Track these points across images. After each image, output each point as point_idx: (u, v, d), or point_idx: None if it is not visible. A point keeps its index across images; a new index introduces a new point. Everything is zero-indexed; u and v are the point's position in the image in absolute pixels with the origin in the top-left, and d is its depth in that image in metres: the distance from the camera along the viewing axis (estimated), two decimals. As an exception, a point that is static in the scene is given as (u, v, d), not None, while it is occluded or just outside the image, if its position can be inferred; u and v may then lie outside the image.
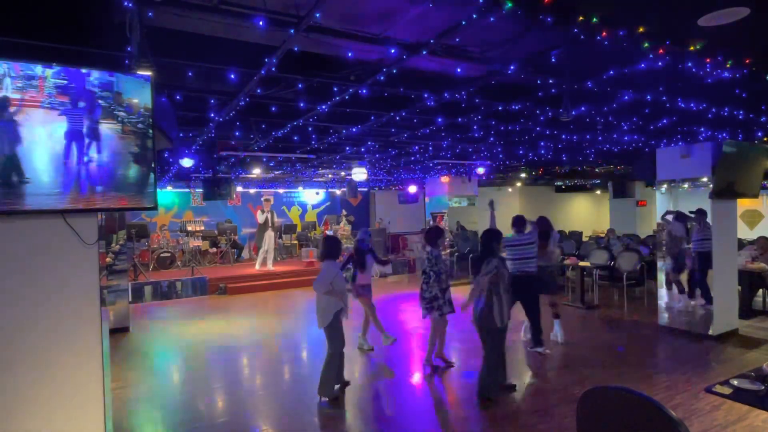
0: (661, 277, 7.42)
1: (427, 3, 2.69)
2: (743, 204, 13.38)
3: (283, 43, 3.14)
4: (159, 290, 10.40)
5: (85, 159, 2.58)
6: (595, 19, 2.74)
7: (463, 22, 2.81)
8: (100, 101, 2.61)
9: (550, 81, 4.10)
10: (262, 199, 12.51)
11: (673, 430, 1.63)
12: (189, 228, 13.21)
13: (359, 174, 10.05)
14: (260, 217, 11.62)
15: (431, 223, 12.46)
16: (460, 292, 5.57)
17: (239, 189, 14.39)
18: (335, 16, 2.92)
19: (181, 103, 4.52)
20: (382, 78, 3.83)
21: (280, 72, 3.71)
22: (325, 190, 17.31)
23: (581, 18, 2.73)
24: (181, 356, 6.51)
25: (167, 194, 14.40)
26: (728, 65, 3.60)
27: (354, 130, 6.07)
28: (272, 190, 16.27)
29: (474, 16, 2.71)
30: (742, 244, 8.45)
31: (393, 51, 3.31)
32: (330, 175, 12.95)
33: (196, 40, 3.29)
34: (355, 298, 6.05)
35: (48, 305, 2.64)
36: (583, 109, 5.07)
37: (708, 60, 3.48)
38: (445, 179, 11.95)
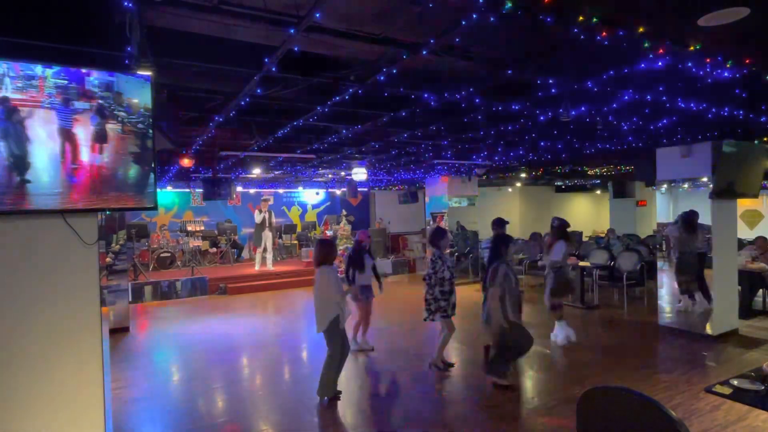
0: (662, 277, 7.42)
1: (427, 3, 2.69)
2: (743, 204, 13.38)
3: (283, 43, 3.14)
4: (159, 290, 10.41)
5: (85, 159, 2.58)
6: (595, 19, 2.74)
7: (463, 22, 2.81)
8: (100, 101, 2.61)
9: (550, 81, 4.10)
10: (261, 199, 12.52)
11: (673, 430, 1.63)
12: (189, 228, 13.21)
13: (359, 174, 10.05)
14: (257, 217, 11.63)
15: (431, 223, 12.46)
16: (459, 292, 5.54)
17: (239, 189, 14.39)
18: (335, 16, 2.92)
19: (181, 103, 4.52)
20: (382, 78, 3.83)
21: (280, 72, 3.71)
22: (325, 190, 17.31)
23: (581, 18, 2.73)
24: (181, 356, 6.51)
25: (167, 194, 14.40)
26: (728, 65, 3.60)
27: (354, 130, 6.07)
28: (272, 190, 16.27)
29: (474, 16, 2.71)
30: (742, 244, 8.45)
31: (393, 51, 3.31)
32: (330, 175, 12.95)
33: (196, 40, 3.28)
34: (355, 301, 6.05)
35: (48, 305, 2.64)
36: (583, 109, 5.07)
37: (708, 60, 3.48)
38: (445, 179, 11.95)
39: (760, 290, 7.86)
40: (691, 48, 3.25)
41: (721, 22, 2.83)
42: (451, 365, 5.53)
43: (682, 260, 6.96)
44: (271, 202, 16.33)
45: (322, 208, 17.63)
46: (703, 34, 3.07)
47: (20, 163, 2.43)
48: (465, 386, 5.10)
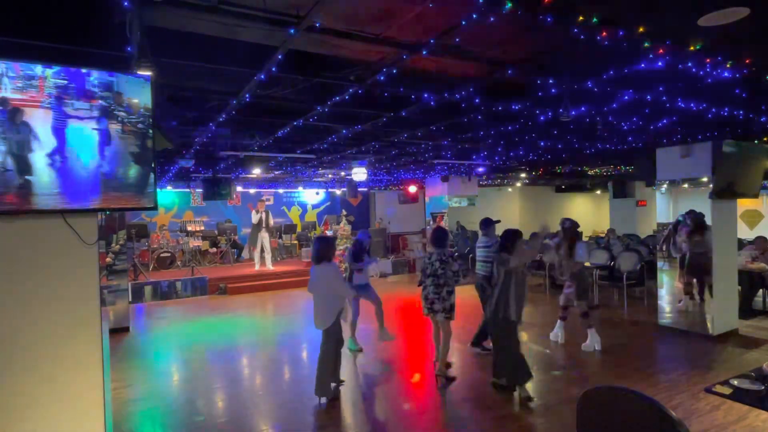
0: (662, 277, 7.42)
1: (427, 3, 2.69)
2: (743, 204, 13.38)
3: (283, 43, 3.14)
4: (159, 290, 10.41)
5: (85, 159, 2.58)
6: (595, 19, 2.74)
7: (463, 22, 2.80)
8: (100, 101, 2.61)
9: (550, 81, 4.10)
10: (258, 199, 12.54)
11: (673, 430, 1.63)
12: (189, 228, 13.21)
13: (359, 174, 10.05)
14: (254, 218, 11.65)
15: (431, 223, 12.46)
16: (458, 292, 5.53)
17: (239, 189, 14.39)
18: (335, 16, 2.92)
19: (181, 103, 4.52)
20: (382, 78, 3.83)
21: (280, 72, 3.71)
22: (325, 190, 17.31)
23: (581, 18, 2.73)
24: (181, 356, 6.51)
25: (167, 194, 14.40)
26: (728, 65, 3.60)
27: (354, 130, 6.07)
28: (272, 190, 16.28)
29: (474, 16, 2.71)
30: (742, 244, 8.45)
31: (393, 51, 3.31)
32: (330, 175, 12.96)
33: (196, 40, 3.28)
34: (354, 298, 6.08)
35: (48, 305, 2.64)
36: (583, 109, 5.07)
37: (708, 60, 3.48)
38: (445, 179, 11.95)
39: (760, 290, 7.86)
40: (691, 48, 3.25)
41: (721, 22, 2.83)
42: (454, 378, 5.29)
43: (693, 261, 6.93)
44: (270, 202, 16.36)
45: (322, 208, 17.63)
46: (703, 34, 3.07)
47: (20, 163, 2.43)
48: (464, 386, 5.10)
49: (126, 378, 5.44)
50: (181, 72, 3.77)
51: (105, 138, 2.64)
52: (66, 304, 2.69)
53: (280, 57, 3.32)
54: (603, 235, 13.94)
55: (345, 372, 5.06)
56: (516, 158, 9.77)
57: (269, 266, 11.89)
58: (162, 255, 12.44)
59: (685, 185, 7.07)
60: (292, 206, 17.17)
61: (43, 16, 2.74)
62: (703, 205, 6.65)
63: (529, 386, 4.60)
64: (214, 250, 13.58)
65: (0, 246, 2.54)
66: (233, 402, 4.77)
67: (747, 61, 3.58)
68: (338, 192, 17.30)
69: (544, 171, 12.85)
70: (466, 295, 7.28)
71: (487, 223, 6.29)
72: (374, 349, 6.26)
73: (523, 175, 13.64)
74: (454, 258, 5.32)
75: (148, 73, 2.79)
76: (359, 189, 14.58)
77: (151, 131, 2.77)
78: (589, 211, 19.97)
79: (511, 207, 17.81)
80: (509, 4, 2.52)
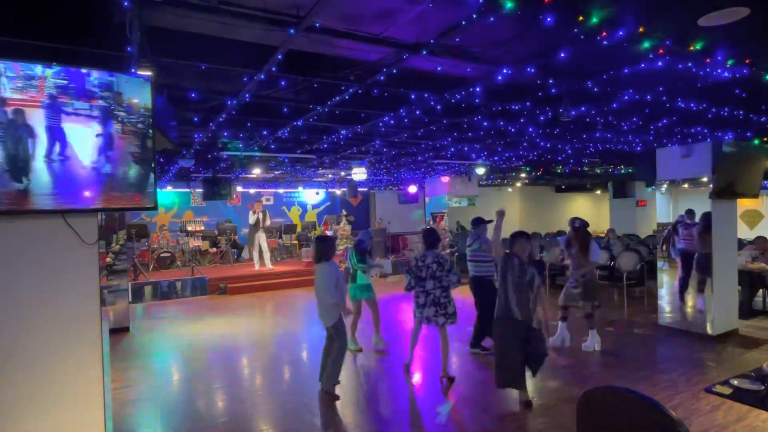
0: (662, 277, 7.42)
1: (427, 3, 2.69)
2: (743, 204, 13.38)
3: (283, 43, 3.14)
4: (159, 290, 10.40)
5: (85, 159, 2.58)
6: (595, 20, 2.74)
7: (463, 22, 2.80)
8: (100, 101, 2.61)
9: (550, 81, 4.10)
10: (254, 200, 12.57)
11: (673, 430, 1.63)
12: (189, 228, 13.22)
13: (359, 174, 10.05)
14: (251, 218, 11.67)
15: (431, 223, 12.46)
16: (457, 293, 5.54)
17: (239, 189, 14.40)
18: (335, 16, 2.92)
19: (182, 103, 4.52)
20: (382, 78, 3.83)
21: (280, 72, 3.71)
22: (325, 190, 17.31)
23: (581, 18, 2.73)
24: (181, 356, 6.51)
25: (167, 194, 14.40)
26: (728, 65, 3.60)
27: (354, 130, 6.07)
28: (272, 190, 16.28)
29: (474, 16, 2.71)
30: (742, 244, 8.45)
31: (393, 51, 3.31)
32: (330, 175, 12.96)
33: (196, 40, 3.29)
34: (352, 300, 6.08)
35: (48, 305, 2.64)
36: (583, 109, 5.07)
37: (708, 60, 3.48)
38: (445, 179, 11.94)
39: (760, 290, 7.86)
40: (691, 48, 3.25)
41: (721, 22, 2.83)
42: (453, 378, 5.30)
43: (701, 260, 6.93)
44: (271, 202, 16.36)
45: (322, 208, 17.63)
46: (703, 34, 3.07)
47: (19, 163, 2.43)
48: (464, 386, 5.10)
49: (126, 378, 5.44)
50: (181, 72, 3.78)
51: (105, 138, 2.64)
52: (66, 304, 2.69)
53: (280, 57, 3.32)
54: (603, 235, 13.93)
55: (345, 372, 5.05)
56: (516, 158, 9.78)
57: (268, 266, 11.89)
58: (162, 255, 12.44)
59: (685, 185, 7.08)
60: (292, 206, 17.17)
61: (44, 16, 2.74)
62: (704, 205, 6.64)
63: (530, 387, 4.59)
64: (214, 250, 13.58)
65: (0, 246, 2.54)
66: (233, 402, 4.77)
67: (747, 61, 3.58)
68: (338, 192, 17.30)
69: (544, 171, 12.86)
70: (466, 295, 7.27)
71: (478, 222, 6.29)
72: (375, 349, 6.26)
73: (523, 175, 13.64)
74: (448, 261, 5.28)
75: (148, 73, 2.79)
76: (359, 189, 14.58)
77: (151, 131, 2.77)
78: (589, 211, 19.95)
79: (511, 207, 17.80)
80: (509, 4, 2.52)
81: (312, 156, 8.43)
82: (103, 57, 3.00)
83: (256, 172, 10.27)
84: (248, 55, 3.48)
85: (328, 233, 13.66)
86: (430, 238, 5.36)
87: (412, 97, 4.65)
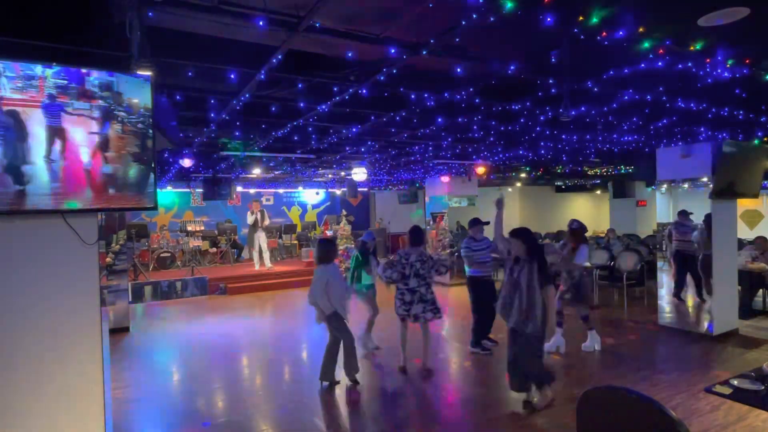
0: (662, 277, 7.42)
1: (427, 3, 2.69)
2: (743, 204, 13.36)
3: (283, 43, 3.14)
4: (159, 290, 10.40)
5: (85, 159, 2.58)
6: (595, 19, 2.74)
7: (463, 22, 2.80)
8: (100, 101, 2.61)
9: (550, 81, 4.10)
10: (252, 200, 12.59)
11: (673, 430, 1.63)
12: (189, 228, 13.22)
13: (359, 174, 10.05)
14: (249, 218, 11.68)
15: (431, 223, 12.46)
16: (457, 292, 5.53)
17: (239, 189, 14.40)
18: (335, 16, 2.92)
19: (181, 103, 4.52)
20: (382, 78, 3.83)
21: (280, 72, 3.71)
22: (325, 190, 17.31)
23: (581, 18, 2.73)
24: (181, 356, 6.51)
25: (167, 194, 14.41)
26: (728, 65, 3.60)
27: (354, 130, 6.07)
28: (272, 190, 16.28)
29: (474, 16, 2.71)
30: (742, 244, 8.45)
31: (393, 51, 3.31)
32: (330, 175, 12.96)
33: (196, 40, 3.29)
34: (360, 298, 6.10)
35: (48, 305, 2.64)
36: (583, 109, 5.07)
37: (708, 60, 3.48)
38: (445, 179, 11.95)
39: (760, 290, 7.86)
40: (691, 48, 3.25)
41: (721, 22, 2.83)
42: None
43: (705, 261, 6.93)
44: (271, 202, 16.37)
45: (322, 208, 17.64)
46: (703, 34, 3.07)
47: (19, 163, 2.43)
48: (464, 386, 5.10)
49: (126, 378, 5.44)
50: (181, 72, 3.78)
51: (105, 138, 2.64)
52: (66, 304, 2.69)
53: (279, 57, 3.32)
54: (603, 235, 13.93)
55: (343, 372, 5.06)
56: (516, 158, 9.78)
57: (268, 265, 11.89)
58: (162, 255, 12.45)
59: (685, 185, 7.08)
60: (292, 206, 17.17)
61: (43, 16, 2.74)
62: (704, 205, 6.64)
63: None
64: (214, 250, 13.58)
65: (0, 246, 2.54)
66: (233, 402, 4.77)
67: (747, 61, 3.58)
68: (338, 192, 17.30)
69: (544, 171, 12.85)
70: (464, 295, 7.27)
71: (472, 223, 6.33)
72: (375, 350, 6.25)
73: (523, 175, 13.64)
74: (434, 260, 5.33)
75: (148, 73, 2.79)
76: (359, 189, 14.58)
77: (151, 131, 2.77)
78: (589, 211, 19.96)
79: (511, 207, 17.79)
80: (510, 4, 2.52)
81: (312, 156, 8.43)
82: (103, 57, 3.00)
83: (256, 172, 10.27)
84: (248, 55, 3.48)
85: (329, 233, 13.68)
86: (415, 235, 5.41)
87: (412, 97, 4.65)
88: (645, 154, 8.20)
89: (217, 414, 4.53)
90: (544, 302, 4.13)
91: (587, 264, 5.86)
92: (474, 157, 9.48)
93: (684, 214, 7.27)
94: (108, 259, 7.68)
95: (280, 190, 16.57)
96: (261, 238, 11.76)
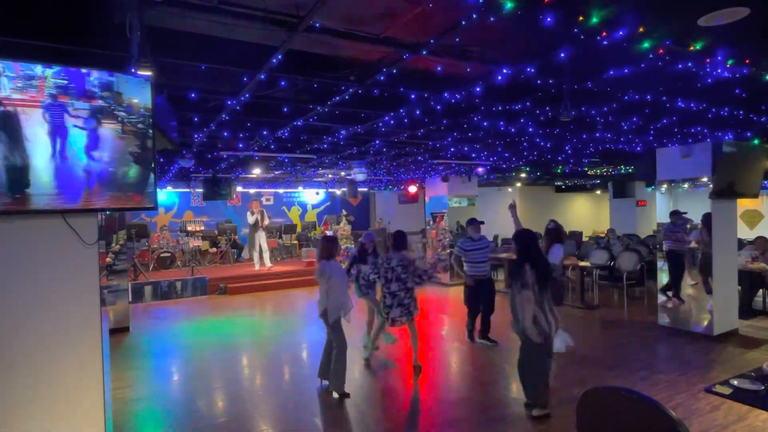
0: (662, 277, 7.42)
1: (427, 3, 2.69)
2: (743, 204, 13.37)
3: (283, 43, 3.14)
4: (159, 290, 10.40)
5: (85, 159, 2.58)
6: (595, 20, 2.74)
7: (463, 22, 2.80)
8: (100, 101, 2.61)
9: (550, 81, 4.10)
10: (252, 199, 12.60)
11: (673, 430, 1.63)
12: (189, 228, 13.22)
13: (359, 174, 10.05)
14: (250, 218, 11.68)
15: (431, 223, 12.46)
16: (456, 292, 5.54)
17: (239, 189, 14.40)
18: (335, 16, 2.92)
19: (182, 103, 4.52)
20: (382, 78, 3.83)
21: (280, 72, 3.71)
22: (325, 190, 17.31)
23: (581, 18, 2.73)
24: (181, 356, 6.51)
25: (167, 194, 14.40)
26: (728, 65, 3.60)
27: (354, 130, 6.07)
28: (272, 190, 16.28)
29: (474, 16, 2.71)
30: (742, 244, 8.45)
31: (393, 51, 3.31)
32: (330, 175, 12.96)
33: (196, 40, 3.28)
34: (360, 297, 6.10)
35: (48, 305, 2.64)
36: (583, 109, 5.07)
37: (708, 60, 3.48)
38: (445, 179, 11.95)
39: (760, 290, 7.86)
40: (691, 48, 3.25)
41: (721, 22, 2.83)
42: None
43: (705, 261, 6.94)
44: (271, 202, 16.37)
45: (322, 208, 17.64)
46: (703, 34, 3.07)
47: (20, 163, 2.43)
48: (464, 387, 5.10)
49: (126, 378, 5.44)
50: (181, 72, 3.77)
51: (105, 138, 2.64)
52: (66, 304, 2.69)
53: (279, 57, 3.32)
54: (603, 235, 13.94)
55: (348, 371, 5.05)
56: (516, 158, 9.77)
57: (268, 265, 11.90)
58: (162, 255, 12.45)
59: (685, 185, 7.08)
60: (292, 206, 17.17)
61: (44, 16, 2.74)
62: (704, 205, 6.64)
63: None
64: (214, 250, 13.59)
65: (0, 246, 2.54)
66: (233, 402, 4.77)
67: (747, 61, 3.58)
68: (338, 192, 17.30)
69: (544, 171, 12.85)
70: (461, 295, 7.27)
71: (468, 223, 6.39)
72: (375, 350, 6.25)
73: (523, 175, 13.63)
74: (416, 267, 5.37)
75: (148, 73, 2.79)
76: (359, 189, 14.58)
77: (151, 131, 2.77)
78: (589, 211, 19.96)
79: (511, 207, 17.79)
80: (509, 4, 2.52)
81: (312, 156, 8.43)
82: (103, 57, 3.00)
83: (256, 172, 10.26)
84: (248, 55, 3.48)
85: (329, 233, 13.69)
86: (397, 240, 5.49)
87: (412, 97, 4.64)
88: (645, 154, 8.19)
89: (218, 414, 4.53)
90: (543, 306, 4.06)
91: (558, 263, 5.79)
92: (474, 156, 9.47)
93: (676, 214, 7.30)
94: (108, 259, 7.68)
95: (280, 190, 16.57)
96: (261, 238, 11.77)
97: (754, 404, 2.65)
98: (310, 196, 17.36)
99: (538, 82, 4.16)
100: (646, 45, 3.09)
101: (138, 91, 2.72)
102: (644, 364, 5.58)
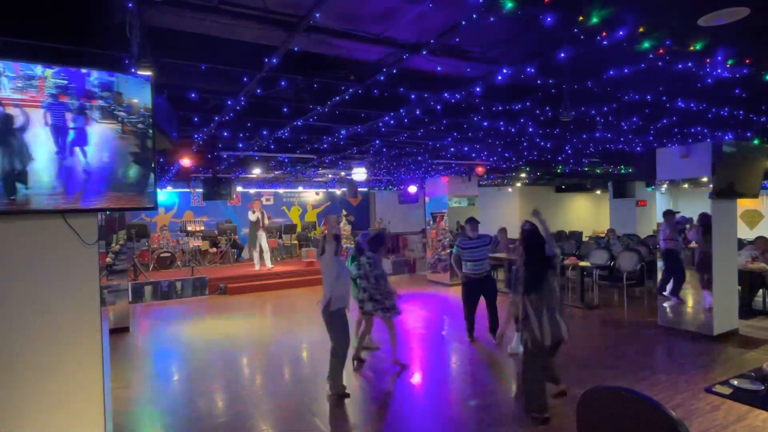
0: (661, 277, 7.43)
1: (427, 3, 2.69)
2: (743, 204, 13.38)
3: (283, 43, 3.14)
4: (159, 290, 10.40)
5: (85, 159, 2.58)
6: (595, 19, 2.74)
7: (463, 22, 2.81)
8: (100, 101, 2.61)
9: (550, 81, 4.10)
10: (254, 198, 12.60)
11: (673, 430, 1.63)
12: (189, 228, 13.22)
13: (359, 174, 10.05)
14: (251, 217, 11.69)
15: (431, 223, 12.46)
16: (455, 292, 5.54)
17: (239, 189, 14.40)
18: (335, 16, 2.92)
19: (181, 103, 4.52)
20: (382, 78, 3.83)
21: (280, 72, 3.71)
22: (325, 190, 17.30)
23: (581, 18, 2.73)
24: (181, 356, 6.51)
25: (167, 194, 14.40)
26: (728, 65, 3.60)
27: (354, 130, 6.07)
28: (272, 190, 16.27)
29: (474, 16, 2.71)
30: (742, 244, 8.45)
31: (393, 51, 3.31)
32: (330, 175, 12.96)
33: (196, 40, 3.28)
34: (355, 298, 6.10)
35: (48, 305, 2.64)
36: (583, 109, 5.06)
37: (708, 60, 3.48)
38: (445, 179, 11.95)
39: (760, 290, 7.86)
40: (691, 48, 3.25)
41: (721, 21, 2.83)
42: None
43: (703, 260, 6.93)
44: (271, 202, 16.35)
45: (322, 208, 17.62)
46: (703, 34, 3.07)
47: (20, 163, 2.43)
48: (464, 387, 5.10)
49: (126, 378, 5.44)
50: (181, 72, 3.78)
51: (105, 138, 2.64)
52: (66, 304, 2.69)
53: (279, 57, 3.32)
54: (603, 235, 13.94)
55: (348, 371, 5.05)
56: (516, 158, 9.77)
57: (268, 265, 11.90)
58: (162, 255, 12.44)
59: (685, 185, 7.08)
60: (292, 206, 17.16)
61: (43, 16, 2.74)
62: (704, 205, 6.64)
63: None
64: (214, 250, 13.58)
65: (0, 246, 2.54)
66: (233, 402, 4.77)
67: (747, 61, 3.58)
68: (338, 192, 17.30)
69: (544, 171, 12.85)
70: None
71: (466, 222, 6.44)
72: (375, 350, 6.25)
73: (523, 175, 13.63)
74: (385, 283, 5.61)
75: (148, 73, 2.79)
76: (359, 189, 14.57)
77: (151, 131, 2.77)
78: (589, 211, 19.96)
79: (511, 207, 17.80)
80: (509, 4, 2.52)
81: (312, 156, 8.43)
82: (103, 57, 3.00)
83: (256, 172, 10.26)
84: (248, 55, 3.48)
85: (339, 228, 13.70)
86: (373, 241, 5.72)
87: (412, 97, 4.64)
88: (645, 154, 8.19)
89: (217, 414, 4.53)
90: (547, 307, 4.06)
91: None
92: (474, 156, 9.47)
93: (670, 214, 7.32)
94: (108, 259, 7.67)
95: (280, 190, 16.56)
96: (262, 238, 11.76)
97: (754, 404, 2.65)
98: (310, 196, 17.36)
99: (538, 82, 4.16)
100: (646, 45, 3.09)
101: (138, 91, 2.72)
102: (644, 364, 5.58)
